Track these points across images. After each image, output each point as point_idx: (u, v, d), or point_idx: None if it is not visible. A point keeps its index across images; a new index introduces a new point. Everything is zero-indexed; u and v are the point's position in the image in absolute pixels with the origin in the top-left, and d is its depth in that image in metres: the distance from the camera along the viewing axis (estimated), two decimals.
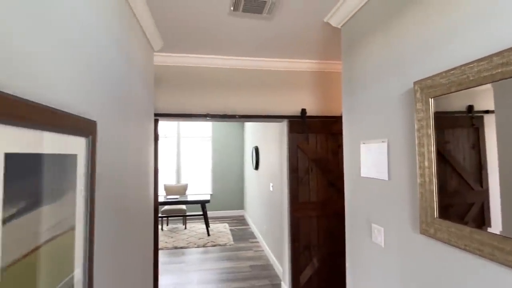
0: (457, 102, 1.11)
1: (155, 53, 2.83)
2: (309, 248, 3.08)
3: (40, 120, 0.61)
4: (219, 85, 3.00)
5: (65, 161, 0.72)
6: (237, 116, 3.00)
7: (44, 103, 0.70)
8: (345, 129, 2.04)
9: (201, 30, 2.33)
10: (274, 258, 4.04)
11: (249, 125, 6.64)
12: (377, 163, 1.66)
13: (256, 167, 5.55)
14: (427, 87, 1.24)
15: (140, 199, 1.89)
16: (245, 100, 3.04)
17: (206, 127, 7.55)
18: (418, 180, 1.28)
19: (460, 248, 1.08)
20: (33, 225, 0.59)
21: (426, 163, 1.24)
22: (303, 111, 3.09)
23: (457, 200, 1.12)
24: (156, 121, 2.88)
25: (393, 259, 1.50)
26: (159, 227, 6.19)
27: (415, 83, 1.30)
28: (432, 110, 1.22)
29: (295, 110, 3.12)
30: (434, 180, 1.21)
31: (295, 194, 3.06)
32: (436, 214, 1.20)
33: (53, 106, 0.74)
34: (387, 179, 1.57)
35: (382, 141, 1.61)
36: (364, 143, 1.80)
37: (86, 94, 1.01)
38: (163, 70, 2.92)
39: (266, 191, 4.65)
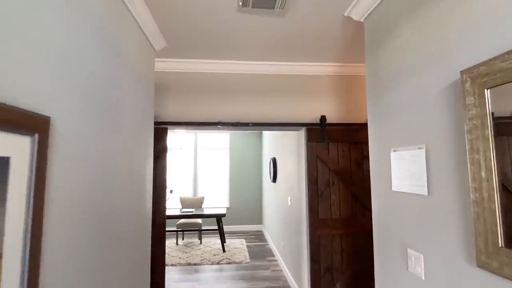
0: None
1: (163, 59, 2.70)
2: (331, 271, 2.74)
3: None
4: (231, 92, 2.82)
5: None
6: (250, 124, 2.78)
7: None
8: (371, 136, 1.77)
9: (209, 31, 2.17)
10: (292, 280, 3.71)
11: (267, 136, 6.42)
12: (413, 174, 1.37)
13: (274, 180, 5.28)
14: (480, 75, 0.96)
15: (133, 214, 1.70)
16: (259, 107, 2.83)
17: (223, 138, 7.41)
18: (472, 196, 0.99)
19: None
20: None
21: (483, 174, 0.95)
22: (323, 118, 2.83)
23: None
24: (164, 130, 2.72)
25: None
26: (174, 241, 6.01)
27: (462, 72, 1.03)
28: (489, 104, 0.94)
29: (313, 117, 2.87)
30: (496, 196, 0.91)
31: (315, 210, 2.77)
32: (500, 242, 0.90)
33: None
34: (426, 194, 1.27)
35: (419, 148, 1.33)
36: (395, 151, 1.52)
37: (35, 81, 0.82)
38: (172, 76, 2.78)
39: (284, 205, 4.36)
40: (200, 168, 7.30)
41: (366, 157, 2.86)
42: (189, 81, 2.79)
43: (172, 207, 7.03)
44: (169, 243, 5.93)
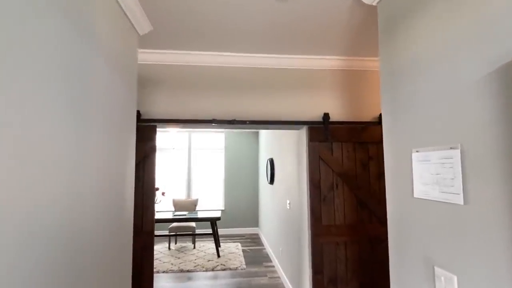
0: None
1: (151, 51, 2.46)
2: (335, 282, 2.52)
3: None
4: (227, 87, 2.58)
5: None
6: (247, 122, 2.55)
7: None
8: (386, 133, 1.55)
9: (202, 15, 1.94)
10: None
11: (263, 135, 6.20)
12: (443, 179, 1.15)
13: (271, 181, 5.06)
14: None
15: (108, 227, 1.45)
16: (257, 104, 2.60)
17: (218, 138, 7.17)
18: None
19: None
20: None
21: None
22: (326, 116, 2.61)
23: None
24: (153, 128, 2.47)
25: None
26: (166, 245, 5.75)
27: None
28: None
29: (316, 115, 2.65)
30: None
31: (317, 215, 2.54)
32: None
33: None
34: (461, 203, 1.05)
35: (451, 148, 1.11)
36: (417, 151, 1.30)
37: None
38: (161, 69, 2.54)
39: (283, 209, 4.13)
40: (194, 169, 7.04)
41: (372, 158, 2.65)
42: (180, 75, 2.55)
43: (164, 209, 6.76)
44: (161, 247, 5.67)
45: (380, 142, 2.66)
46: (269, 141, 5.47)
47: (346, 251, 2.56)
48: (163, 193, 5.67)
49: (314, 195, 2.56)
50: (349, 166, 2.63)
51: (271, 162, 5.06)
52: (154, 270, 4.40)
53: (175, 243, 5.94)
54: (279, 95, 2.63)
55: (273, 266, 4.57)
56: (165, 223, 6.61)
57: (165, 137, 7.00)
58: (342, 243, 2.56)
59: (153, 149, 2.46)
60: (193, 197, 6.97)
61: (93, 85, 1.24)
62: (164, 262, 4.76)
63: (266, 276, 4.19)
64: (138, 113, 2.44)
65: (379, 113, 2.71)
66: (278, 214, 4.49)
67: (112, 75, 1.46)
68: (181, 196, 6.94)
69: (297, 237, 3.20)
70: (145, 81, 2.52)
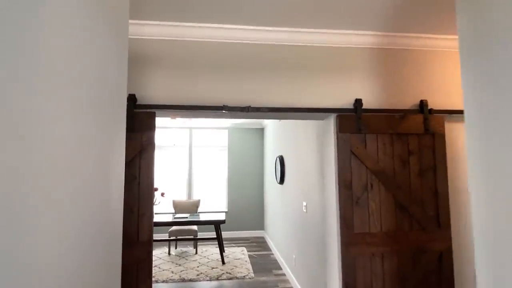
0: None
1: (148, 22, 2.03)
2: None
3: None
4: (240, 68, 2.15)
5: None
6: (264, 110, 2.12)
7: None
8: (469, 120, 1.12)
9: None
10: None
11: (270, 131, 5.77)
12: None
13: (281, 181, 4.63)
14: None
15: (84, 237, 1.02)
16: (275, 88, 2.17)
17: (221, 135, 6.73)
18: None
19: None
20: None
21: None
22: (358, 102, 2.18)
23: None
24: (151, 116, 2.04)
25: None
26: (166, 250, 5.31)
27: None
28: None
29: (346, 101, 2.22)
30: None
31: (349, 221, 2.11)
32: None
33: None
34: None
35: None
36: None
37: None
38: (161, 45, 2.11)
39: (296, 212, 3.70)
40: (196, 168, 6.61)
41: (413, 152, 2.23)
42: (184, 52, 2.12)
43: (164, 211, 6.33)
44: (160, 252, 5.23)
45: (422, 133, 2.23)
46: (278, 137, 5.03)
47: (383, 264, 2.14)
48: (162, 194, 5.24)
49: (345, 197, 2.13)
50: (386, 162, 2.20)
51: (281, 159, 4.63)
52: (153, 279, 3.96)
53: (175, 248, 5.51)
54: (303, 78, 2.20)
55: (284, 275, 4.14)
56: (164, 227, 6.16)
57: (164, 133, 6.56)
58: (378, 255, 2.14)
59: (151, 141, 2.02)
60: (195, 197, 6.53)
61: (61, 48, 0.80)
62: (163, 270, 4.33)
63: (277, 286, 3.76)
64: (133, 98, 2.01)
65: (419, 100, 2.28)
66: (290, 217, 4.06)
67: (94, 35, 1.02)
68: (182, 196, 6.50)
69: (318, 245, 2.77)
70: (142, 59, 2.08)
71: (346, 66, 2.24)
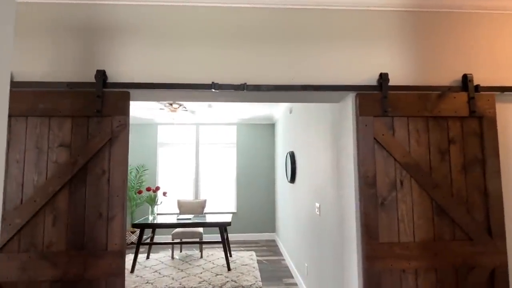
0: None
1: None
2: None
3: None
4: (234, 37, 1.75)
5: None
6: (264, 88, 1.70)
7: None
8: None
9: None
10: None
11: (281, 126, 5.33)
12: None
13: (292, 180, 4.18)
14: None
15: None
16: (278, 61, 1.75)
17: (229, 131, 6.35)
18: None
19: None
20: None
21: None
22: (383, 78, 1.72)
23: None
24: (124, 96, 1.66)
25: None
26: (169, 254, 4.98)
27: None
28: None
29: (368, 76, 1.77)
30: None
31: (372, 228, 1.66)
32: None
33: None
34: None
35: None
36: None
37: None
38: (136, 11, 1.73)
39: (309, 214, 3.25)
40: (203, 166, 6.26)
41: (455, 141, 1.75)
42: (165, 20, 1.73)
43: (167, 212, 6.01)
44: (163, 256, 4.90)
45: (466, 117, 1.75)
46: (289, 131, 4.59)
47: (417, 284, 1.67)
48: (164, 193, 4.91)
49: (367, 198, 1.67)
50: (419, 153, 1.73)
51: (292, 156, 4.18)
52: (150, 286, 3.62)
53: (180, 251, 5.16)
54: (313, 48, 1.76)
55: (296, 284, 3.70)
56: (168, 229, 5.84)
57: (169, 130, 6.25)
58: (411, 271, 1.67)
59: (124, 128, 1.64)
60: (202, 197, 6.18)
61: None
62: (163, 276, 3.97)
63: None
64: (103, 74, 1.64)
65: (462, 74, 1.80)
66: (301, 220, 3.61)
67: None
68: (189, 196, 6.17)
69: (333, 255, 2.32)
70: (114, 29, 1.71)
71: (368, 33, 1.78)
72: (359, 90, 1.73)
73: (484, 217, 1.72)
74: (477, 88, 1.75)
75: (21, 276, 1.53)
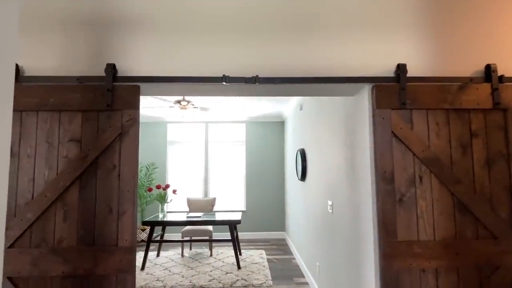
0: None
1: None
2: None
3: None
4: (246, 28, 1.70)
5: None
6: (277, 80, 1.65)
7: None
8: None
9: None
10: None
11: (291, 123, 5.27)
12: None
13: (303, 178, 4.12)
14: None
15: None
16: (291, 53, 1.69)
17: (239, 129, 6.31)
18: None
19: None
20: None
21: None
22: (401, 68, 1.65)
23: None
24: (135, 90, 1.63)
25: None
26: (179, 251, 4.97)
27: None
28: None
29: (384, 67, 1.70)
30: None
31: (390, 226, 1.59)
32: None
33: None
34: None
35: None
36: None
37: None
38: (146, 4, 1.70)
39: (321, 212, 3.18)
40: (212, 165, 6.24)
41: (477, 134, 1.66)
42: (175, 11, 1.70)
43: (177, 210, 6.02)
44: (173, 254, 4.90)
45: (490, 109, 1.66)
46: (299, 128, 4.53)
47: (438, 284, 1.59)
48: (174, 191, 4.90)
49: (385, 194, 1.61)
50: (440, 147, 1.65)
51: (302, 153, 4.12)
52: (161, 284, 3.61)
53: (190, 249, 5.15)
54: (326, 38, 1.70)
55: (307, 284, 3.64)
56: (178, 227, 5.85)
57: (178, 128, 6.25)
58: (431, 271, 1.60)
59: (134, 122, 1.62)
60: (211, 196, 6.17)
61: None
62: (173, 274, 3.97)
63: None
64: (113, 68, 1.61)
65: (485, 64, 1.71)
66: (312, 218, 3.55)
67: None
68: (198, 195, 6.16)
69: (347, 254, 2.26)
70: (124, 22, 1.68)
71: (384, 21, 1.71)
72: (376, 82, 1.66)
73: (509, 214, 1.63)
74: (501, 78, 1.66)
75: (32, 271, 1.52)
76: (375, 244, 1.63)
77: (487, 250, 1.61)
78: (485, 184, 1.65)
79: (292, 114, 5.15)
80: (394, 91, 1.65)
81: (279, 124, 6.30)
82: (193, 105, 4.79)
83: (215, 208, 6.09)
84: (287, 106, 5.22)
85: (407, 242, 1.60)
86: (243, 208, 6.13)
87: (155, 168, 5.98)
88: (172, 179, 6.14)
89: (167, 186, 4.92)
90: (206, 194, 6.15)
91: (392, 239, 1.59)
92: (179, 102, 4.42)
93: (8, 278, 1.51)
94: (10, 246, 1.52)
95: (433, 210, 1.62)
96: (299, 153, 4.30)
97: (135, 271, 1.56)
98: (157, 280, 3.75)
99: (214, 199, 5.23)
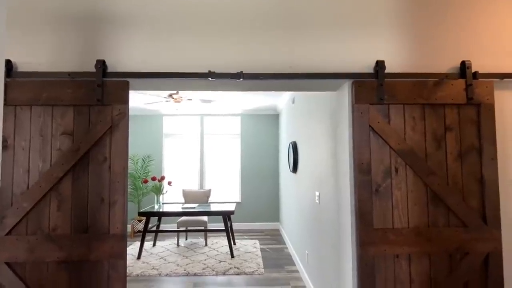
0: None
1: None
2: None
3: None
4: (230, 24, 1.76)
5: None
6: (260, 77, 1.72)
7: None
8: None
9: None
10: None
11: (285, 116, 5.34)
12: None
13: (294, 170, 4.22)
14: None
15: None
16: (275, 49, 1.76)
17: (233, 122, 6.39)
18: None
19: None
20: None
21: None
22: (379, 65, 1.72)
23: None
24: (124, 85, 1.70)
25: None
26: (175, 241, 5.10)
27: None
28: None
29: (364, 63, 1.77)
30: None
31: (366, 214, 1.69)
32: None
33: None
34: None
35: None
36: None
37: None
38: (133, 2, 1.75)
39: (309, 203, 3.29)
40: (207, 157, 6.33)
41: (451, 128, 1.75)
42: (162, 8, 1.76)
43: (172, 201, 6.13)
44: (169, 243, 5.03)
45: (464, 104, 1.74)
46: (291, 121, 4.61)
47: (411, 269, 1.70)
48: (169, 183, 5.00)
49: (362, 185, 1.70)
50: (415, 140, 1.74)
51: (294, 146, 4.21)
52: (156, 272, 3.73)
53: (185, 239, 5.29)
54: (309, 36, 1.77)
55: (297, 271, 3.77)
56: (173, 217, 5.96)
57: (174, 121, 6.32)
58: (404, 257, 1.70)
59: (124, 116, 1.69)
60: (206, 187, 6.28)
61: None
62: (168, 262, 4.09)
63: (288, 284, 3.39)
64: (103, 64, 1.68)
65: (460, 61, 1.78)
66: (302, 209, 3.66)
67: None
68: (194, 186, 6.27)
69: (332, 242, 2.37)
70: (113, 18, 1.74)
71: (365, 19, 1.78)
72: (356, 78, 1.74)
73: (480, 204, 1.73)
74: (475, 75, 1.74)
75: (29, 257, 1.61)
76: (352, 232, 1.73)
77: (457, 237, 1.71)
78: (457, 176, 1.74)
79: (286, 107, 5.22)
80: (373, 87, 1.73)
81: (274, 117, 6.38)
82: (185, 98, 4.84)
83: (210, 200, 6.20)
84: (281, 99, 5.29)
85: (382, 230, 1.70)
86: (238, 200, 6.25)
87: (151, 160, 6.07)
88: (168, 171, 6.24)
89: (162, 178, 5.02)
90: (201, 186, 6.25)
91: (368, 227, 1.69)
92: (171, 95, 4.48)
93: (6, 263, 1.61)
94: (7, 234, 1.61)
95: (407, 200, 1.72)
96: (291, 145, 4.39)
97: (126, 256, 1.66)
98: (153, 268, 3.87)
99: (209, 190, 5.33)
